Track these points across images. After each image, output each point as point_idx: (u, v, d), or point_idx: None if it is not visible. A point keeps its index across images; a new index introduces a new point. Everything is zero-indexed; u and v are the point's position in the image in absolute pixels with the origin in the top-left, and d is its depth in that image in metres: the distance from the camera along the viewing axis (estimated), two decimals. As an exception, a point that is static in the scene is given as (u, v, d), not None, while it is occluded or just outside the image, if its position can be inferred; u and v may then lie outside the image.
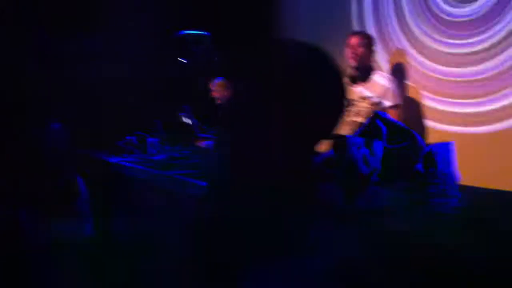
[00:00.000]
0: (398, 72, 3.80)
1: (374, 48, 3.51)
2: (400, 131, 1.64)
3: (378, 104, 3.32)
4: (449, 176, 1.68)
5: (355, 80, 3.38)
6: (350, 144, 1.63)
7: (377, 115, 1.70)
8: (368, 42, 3.45)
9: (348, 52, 3.40)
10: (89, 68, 4.52)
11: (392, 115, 3.24)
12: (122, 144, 4.13)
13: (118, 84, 4.56)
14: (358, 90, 3.39)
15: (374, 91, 3.36)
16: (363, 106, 3.33)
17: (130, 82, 4.71)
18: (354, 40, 3.42)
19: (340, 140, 1.65)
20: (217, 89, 4.77)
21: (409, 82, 3.78)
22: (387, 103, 3.33)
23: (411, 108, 3.73)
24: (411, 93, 3.75)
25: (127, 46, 4.74)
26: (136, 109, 4.53)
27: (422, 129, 3.57)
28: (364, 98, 3.35)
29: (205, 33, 5.21)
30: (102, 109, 4.50)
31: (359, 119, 3.29)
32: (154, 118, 4.34)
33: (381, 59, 3.98)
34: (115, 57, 4.59)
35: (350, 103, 3.34)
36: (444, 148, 1.72)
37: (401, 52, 3.83)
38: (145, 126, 4.34)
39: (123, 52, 4.68)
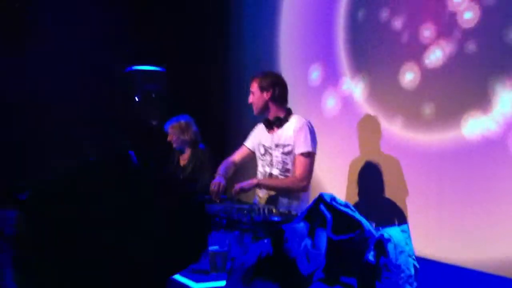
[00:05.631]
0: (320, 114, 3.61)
1: (280, 88, 3.06)
2: (347, 219, 1.43)
3: (290, 153, 2.99)
4: (403, 267, 1.48)
5: (269, 126, 3.07)
6: (290, 236, 1.41)
7: (321, 199, 1.48)
8: (268, 83, 3.02)
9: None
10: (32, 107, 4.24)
11: (301, 163, 2.96)
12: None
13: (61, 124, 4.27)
14: (273, 137, 3.07)
15: (287, 137, 3.02)
16: (276, 155, 3.02)
17: (72, 121, 4.38)
18: (251, 86, 3.05)
19: (278, 232, 1.42)
20: (172, 131, 4.24)
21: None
22: (297, 149, 2.97)
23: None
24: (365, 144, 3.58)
25: (69, 81, 4.41)
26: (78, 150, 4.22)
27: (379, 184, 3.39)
28: (278, 145, 3.02)
29: (160, 69, 4.96)
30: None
31: (273, 171, 3.04)
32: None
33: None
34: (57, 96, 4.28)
35: (267, 151, 3.07)
36: (396, 233, 1.52)
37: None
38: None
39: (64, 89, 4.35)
